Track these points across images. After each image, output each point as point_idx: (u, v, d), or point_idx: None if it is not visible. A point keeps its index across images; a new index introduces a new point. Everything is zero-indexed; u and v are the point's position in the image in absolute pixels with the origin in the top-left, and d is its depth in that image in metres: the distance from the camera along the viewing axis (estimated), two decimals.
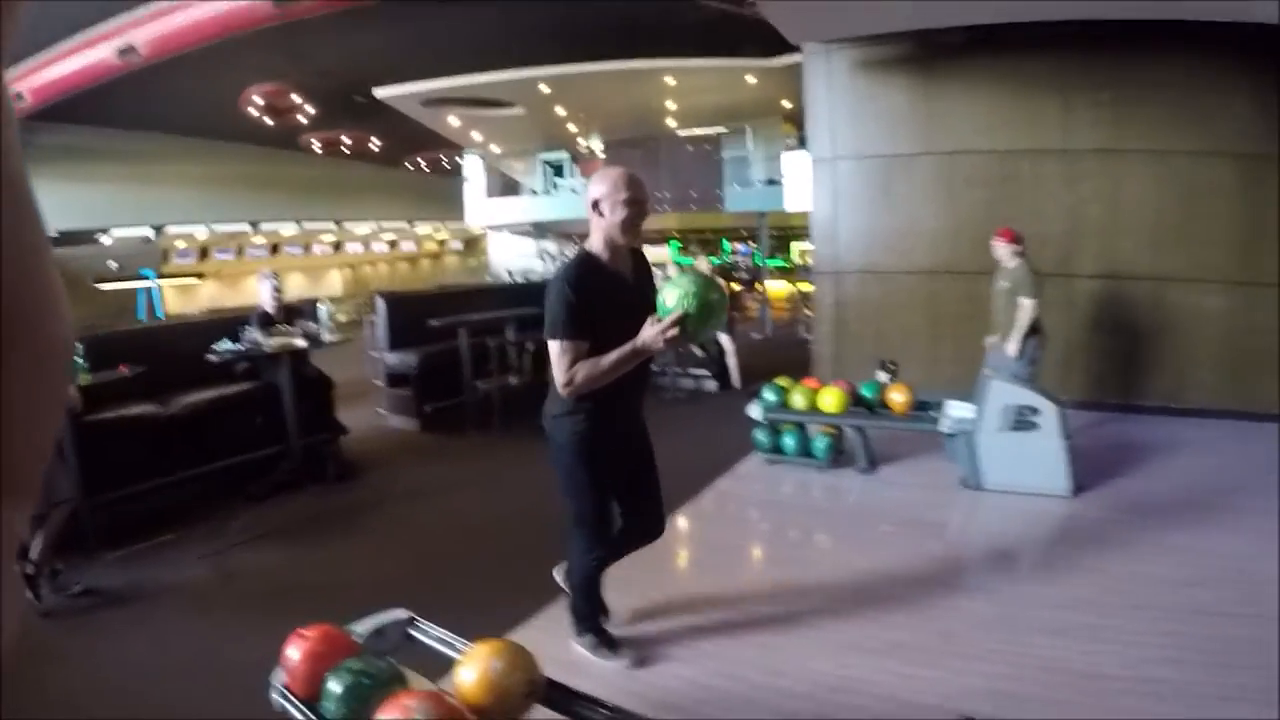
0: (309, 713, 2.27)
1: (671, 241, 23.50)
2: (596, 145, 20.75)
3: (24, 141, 0.40)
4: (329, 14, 14.43)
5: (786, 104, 17.00)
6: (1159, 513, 5.21)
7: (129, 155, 20.18)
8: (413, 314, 8.25)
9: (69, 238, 18.38)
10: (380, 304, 8.52)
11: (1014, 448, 5.46)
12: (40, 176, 15.41)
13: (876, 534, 5.06)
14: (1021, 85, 8.02)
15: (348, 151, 25.19)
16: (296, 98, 19.56)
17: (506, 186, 23.68)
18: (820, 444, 6.23)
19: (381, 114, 19.44)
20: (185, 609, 4.30)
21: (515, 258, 24.77)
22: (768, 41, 8.31)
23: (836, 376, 6.89)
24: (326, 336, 6.55)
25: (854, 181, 8.69)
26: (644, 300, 3.12)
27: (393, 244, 29.57)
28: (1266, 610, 3.79)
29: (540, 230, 24.06)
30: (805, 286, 12.86)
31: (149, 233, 21.27)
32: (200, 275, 22.79)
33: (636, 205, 3.05)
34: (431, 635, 2.77)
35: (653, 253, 20.65)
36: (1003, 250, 6.45)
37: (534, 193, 23.12)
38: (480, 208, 23.02)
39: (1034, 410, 5.42)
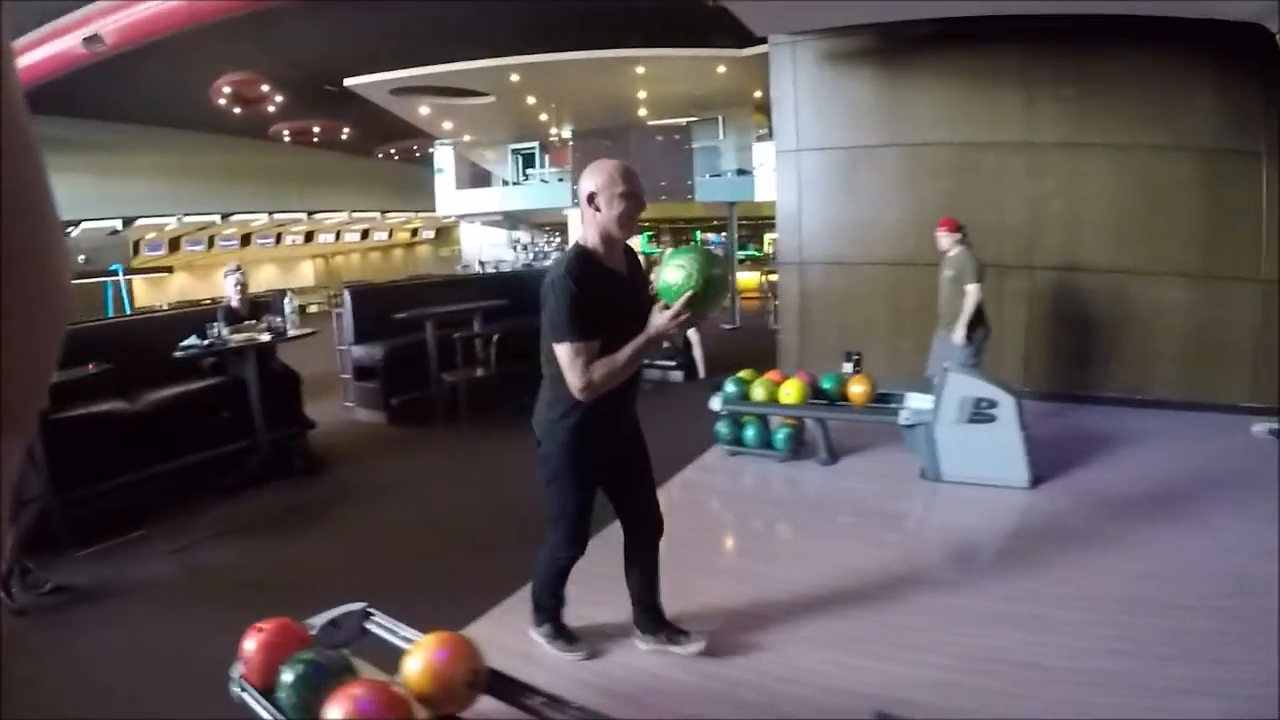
0: (264, 702, 2.34)
1: (643, 232, 23.45)
2: (567, 135, 20.67)
3: None
4: (298, 3, 14.34)
5: (758, 94, 17.00)
6: (1115, 504, 5.29)
7: (96, 146, 19.90)
8: (379, 306, 8.25)
9: None
10: (346, 296, 8.50)
11: (972, 439, 5.52)
12: None
13: (836, 525, 5.12)
14: (985, 78, 8.08)
15: (318, 141, 25.01)
16: (266, 87, 19.40)
17: (477, 177, 23.58)
18: (780, 436, 6.28)
19: (352, 103, 19.27)
20: (154, 605, 4.31)
21: (487, 247, 24.72)
22: (740, 32, 8.33)
23: (802, 367, 6.96)
24: (291, 330, 6.56)
25: (819, 173, 8.75)
26: (639, 295, 3.13)
27: (365, 234, 29.35)
28: (1216, 603, 3.87)
29: (512, 220, 24.00)
30: (774, 276, 12.96)
31: (117, 225, 21.06)
32: (169, 269, 22.58)
33: (634, 199, 2.99)
34: (385, 627, 2.83)
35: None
36: (945, 240, 6.55)
37: (505, 183, 23.06)
38: (451, 198, 22.93)
39: (992, 402, 5.48)
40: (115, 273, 19.20)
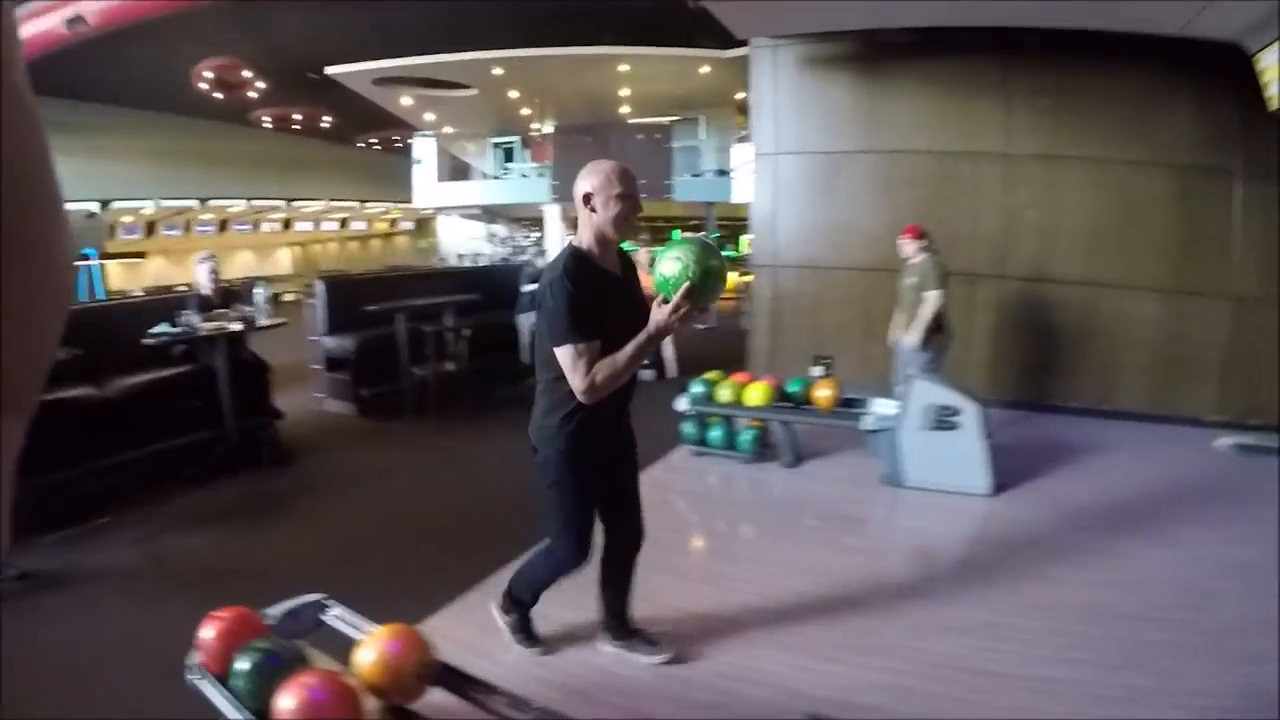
0: (219, 689, 2.36)
1: None
2: (549, 130, 20.68)
3: None
4: None
5: (740, 95, 17.07)
6: (1076, 514, 5.34)
7: (75, 128, 19.75)
8: (352, 297, 8.23)
9: None
10: (319, 287, 8.47)
11: (935, 446, 5.57)
12: None
13: (798, 528, 5.15)
14: (965, 88, 8.13)
15: (299, 129, 24.93)
16: (248, 73, 19.34)
17: (457, 170, 23.58)
18: (745, 438, 6.33)
19: (334, 92, 19.25)
20: (119, 592, 4.29)
21: (465, 240, 24.67)
22: (723, 33, 8.37)
23: (772, 370, 7.01)
24: (263, 320, 6.54)
25: (795, 176, 8.77)
26: (633, 297, 3.10)
27: (343, 223, 29.26)
28: (1171, 614, 3.92)
29: (490, 214, 23.95)
30: (750, 278, 12.98)
31: (94, 208, 20.92)
32: (142, 254, 22.43)
33: (631, 200, 2.93)
34: (341, 619, 2.85)
35: None
36: (908, 247, 6.57)
37: (485, 176, 23.04)
38: (430, 190, 22.91)
39: (955, 410, 5.53)
40: (89, 257, 19.07)
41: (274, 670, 2.30)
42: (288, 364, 7.93)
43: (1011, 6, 6.72)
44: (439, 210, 24.95)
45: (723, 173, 18.03)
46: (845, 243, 8.43)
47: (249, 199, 24.69)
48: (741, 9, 7.59)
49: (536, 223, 23.08)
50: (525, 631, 3.53)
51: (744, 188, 14.47)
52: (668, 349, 9.89)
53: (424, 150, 22.58)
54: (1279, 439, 6.84)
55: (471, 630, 3.62)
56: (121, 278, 21.59)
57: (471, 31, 15.89)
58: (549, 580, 3.41)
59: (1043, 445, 6.86)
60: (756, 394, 6.16)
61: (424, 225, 30.72)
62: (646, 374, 9.70)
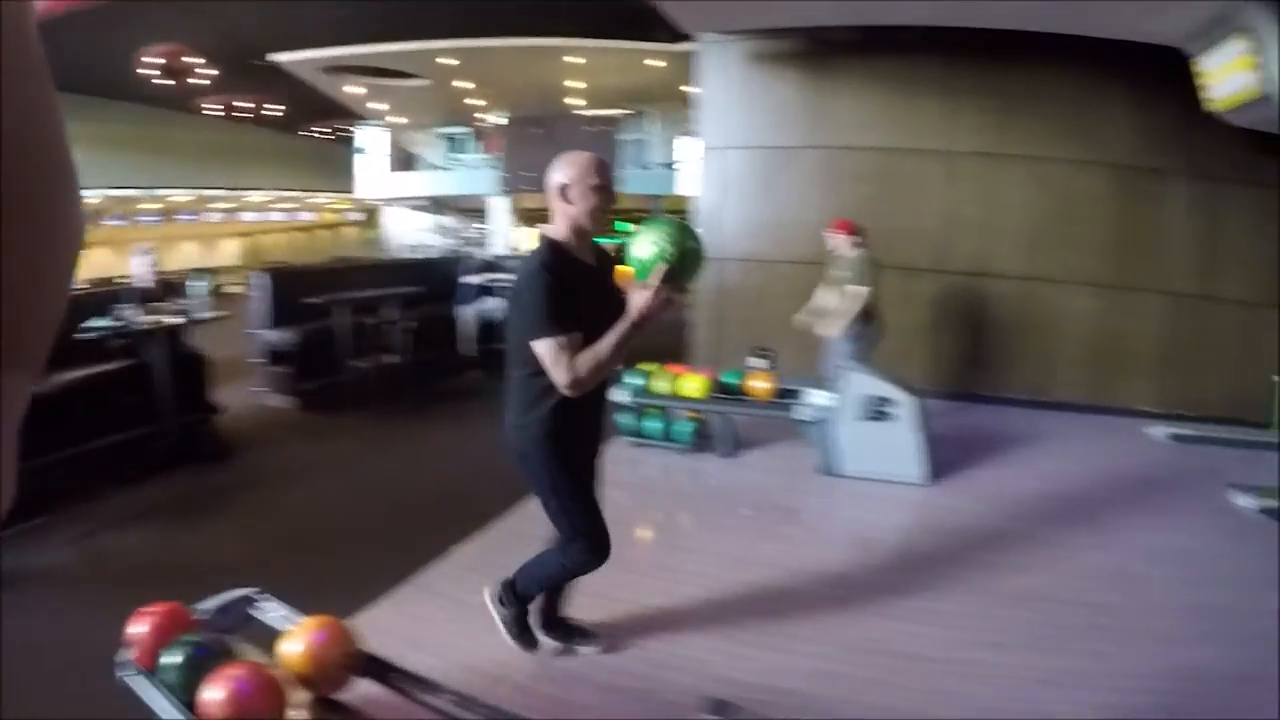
0: (150, 684, 2.38)
1: None
2: (498, 121, 20.58)
3: None
4: None
5: (689, 89, 17.12)
6: (1010, 502, 5.45)
7: None
8: (293, 290, 8.11)
9: None
10: (260, 279, 8.36)
11: (870, 436, 5.65)
12: None
13: (735, 518, 5.19)
14: (909, 86, 8.26)
15: (246, 117, 24.61)
16: (194, 60, 19.06)
17: (405, 160, 23.42)
18: (683, 429, 6.36)
19: (281, 80, 19.03)
20: (56, 593, 4.22)
21: (412, 231, 24.50)
22: (674, 27, 8.41)
23: (716, 361, 7.06)
24: (202, 313, 6.49)
25: (742, 171, 8.85)
26: (609, 288, 3.06)
27: (290, 213, 28.92)
28: (1097, 599, 4.03)
29: (437, 205, 23.81)
30: None
31: None
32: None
33: (606, 192, 2.91)
34: (271, 612, 2.86)
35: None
36: (840, 242, 6.61)
37: (433, 167, 22.92)
38: (377, 180, 22.74)
39: (890, 401, 5.61)
40: None
41: (201, 663, 2.31)
42: (230, 357, 7.85)
43: (958, 7, 6.82)
44: (387, 201, 24.75)
45: (670, 165, 18.06)
46: (789, 237, 8.51)
47: (195, 188, 24.34)
48: (689, 5, 7.63)
49: (483, 214, 22.98)
50: (521, 626, 3.39)
51: (690, 181, 14.54)
52: None
53: (367, 140, 22.37)
54: (1213, 430, 7.05)
55: (407, 622, 3.63)
56: None
57: (421, 20, 15.77)
58: (560, 580, 3.34)
59: (980, 435, 6.97)
60: (693, 385, 6.18)
61: (372, 216, 30.45)
62: None
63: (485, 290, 9.61)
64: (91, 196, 21.86)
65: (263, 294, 8.15)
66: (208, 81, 20.18)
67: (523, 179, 19.30)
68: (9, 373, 0.43)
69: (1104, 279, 8.04)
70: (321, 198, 29.58)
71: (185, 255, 24.56)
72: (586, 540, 3.14)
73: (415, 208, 24.49)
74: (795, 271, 8.33)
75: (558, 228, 2.94)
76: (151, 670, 2.42)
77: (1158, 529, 5.01)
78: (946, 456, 5.97)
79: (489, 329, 9.54)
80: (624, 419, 6.48)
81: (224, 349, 7.37)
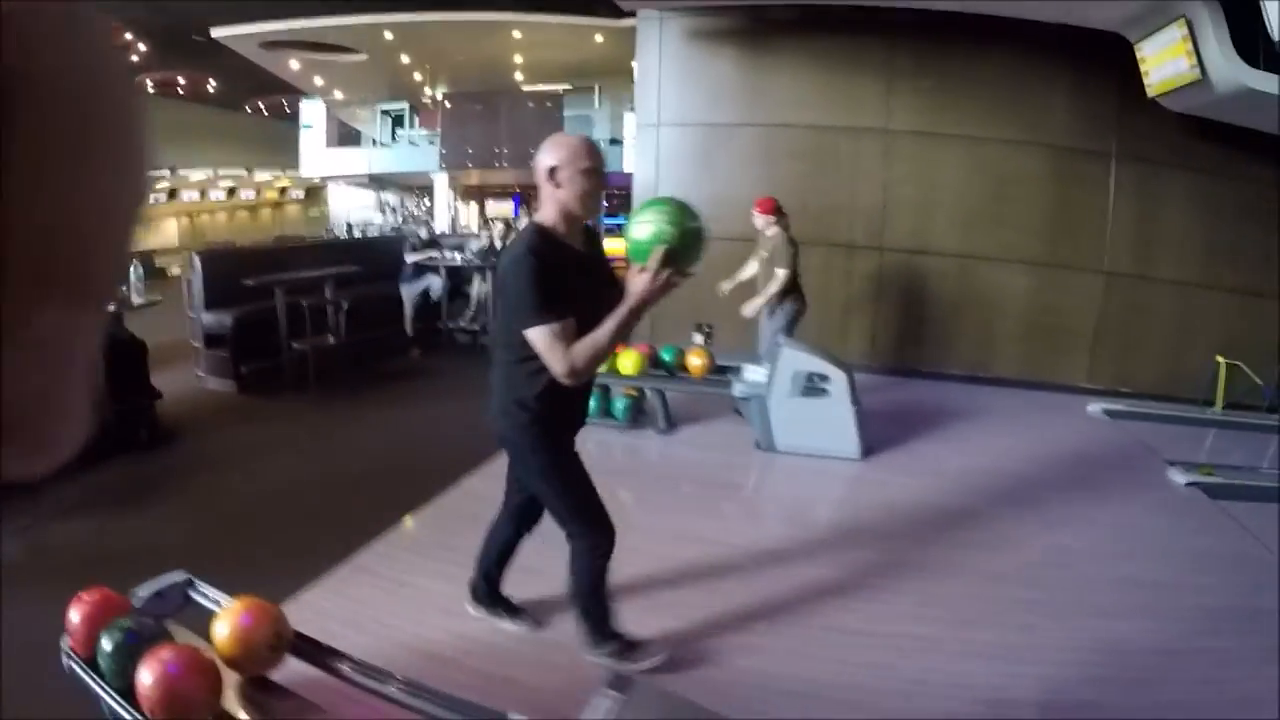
0: (88, 670, 2.40)
1: (514, 195, 23.20)
2: (439, 96, 20.33)
3: None
4: None
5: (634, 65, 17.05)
6: (945, 477, 5.56)
7: None
8: (231, 271, 7.98)
9: None
10: (196, 261, 8.19)
11: (805, 412, 5.72)
12: None
13: (673, 494, 5.24)
14: (847, 65, 8.33)
15: (183, 94, 24.09)
16: (128, 34, 18.63)
17: (346, 137, 23.08)
18: (619, 405, 6.41)
19: (220, 55, 18.64)
20: None
21: (355, 209, 24.19)
22: (615, 1, 8.40)
23: (655, 339, 7.11)
24: (136, 299, 6.39)
25: (679, 147, 8.89)
26: (600, 274, 3.00)
27: (231, 192, 28.36)
28: (1032, 573, 4.14)
29: (379, 182, 23.53)
30: None
31: None
32: None
33: (597, 176, 2.79)
34: (206, 596, 2.89)
35: (495, 208, 20.53)
36: (760, 220, 6.68)
37: (374, 143, 22.66)
38: (319, 157, 22.38)
39: (824, 377, 5.68)
40: None
41: (135, 647, 2.33)
42: (169, 341, 7.76)
43: None
44: (328, 179, 24.40)
45: (615, 142, 17.99)
46: (726, 214, 8.45)
47: None
48: None
49: (426, 190, 22.71)
50: (627, 646, 3.23)
51: (634, 157, 14.53)
52: None
53: (313, 115, 22.03)
54: (1147, 406, 7.26)
55: (343, 602, 3.64)
56: None
57: None
58: (600, 574, 3.15)
59: (919, 411, 7.10)
60: (629, 362, 6.22)
61: (315, 194, 29.92)
62: None
63: (425, 269, 9.58)
64: None
65: (198, 276, 8.04)
66: (137, 58, 19.71)
67: (463, 155, 19.16)
68: (81, 307, 0.44)
69: (1041, 257, 8.21)
70: (264, 175, 29.06)
71: None
72: (589, 518, 3.08)
73: (357, 185, 24.17)
74: (733, 249, 8.34)
75: (545, 212, 2.85)
76: (88, 656, 2.44)
77: (1091, 503, 5.14)
78: (885, 432, 6.09)
79: (429, 308, 9.52)
80: None
81: (165, 332, 7.27)
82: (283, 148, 25.99)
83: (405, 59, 18.01)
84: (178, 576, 2.95)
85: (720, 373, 6.23)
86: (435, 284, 9.55)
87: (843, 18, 7.97)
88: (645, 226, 2.57)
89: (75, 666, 2.46)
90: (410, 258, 9.51)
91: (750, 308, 6.54)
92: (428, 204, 22.58)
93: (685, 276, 2.63)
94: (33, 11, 0.36)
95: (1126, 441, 6.56)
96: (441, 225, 19.57)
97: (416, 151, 20.97)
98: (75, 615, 2.54)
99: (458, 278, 9.90)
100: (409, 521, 4.62)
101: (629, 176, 15.08)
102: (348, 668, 2.44)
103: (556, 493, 3.07)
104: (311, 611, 2.79)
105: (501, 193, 21.88)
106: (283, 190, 30.73)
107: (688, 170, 8.84)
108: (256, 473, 5.81)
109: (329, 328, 8.18)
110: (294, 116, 23.90)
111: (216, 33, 16.86)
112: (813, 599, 3.81)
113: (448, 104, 19.68)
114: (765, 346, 6.28)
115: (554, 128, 18.21)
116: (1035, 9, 6.94)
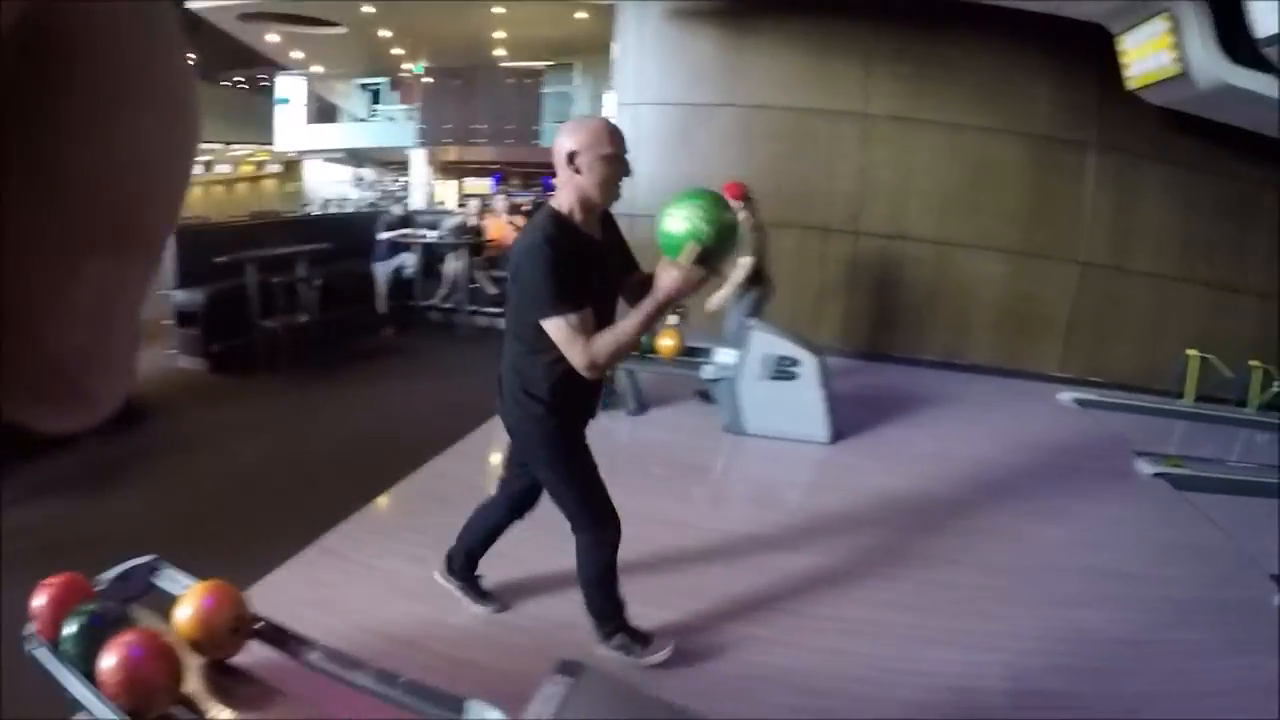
0: (52, 655, 2.40)
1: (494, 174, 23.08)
2: (418, 71, 20.15)
3: None
4: None
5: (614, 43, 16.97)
6: (912, 462, 5.59)
7: None
8: (202, 249, 7.83)
9: None
10: None
11: (775, 396, 5.73)
12: None
13: (642, 476, 5.19)
14: (827, 48, 8.32)
15: None
16: None
17: (323, 112, 22.83)
18: None
19: (197, 27, 18.43)
20: None
21: (332, 184, 24.03)
22: None
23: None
24: None
25: (656, 127, 8.83)
26: (618, 264, 2.90)
27: (207, 165, 28.12)
28: (993, 560, 4.17)
29: (357, 158, 23.35)
30: None
31: None
32: None
33: (619, 162, 2.67)
34: (172, 579, 2.89)
35: (474, 185, 20.42)
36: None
37: (352, 118, 22.49)
38: (295, 132, 22.15)
39: (794, 360, 5.70)
40: None
41: (99, 632, 2.33)
42: (142, 320, 7.63)
43: None
44: (304, 153, 24.20)
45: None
46: None
47: None
48: None
49: (403, 166, 22.54)
50: (635, 637, 3.22)
51: None
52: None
53: (290, 89, 21.81)
54: (1117, 396, 7.33)
55: (308, 585, 3.63)
56: None
57: None
58: (608, 569, 3.13)
59: (891, 396, 7.13)
60: None
61: (292, 168, 29.72)
62: (503, 323, 9.65)
63: (400, 246, 9.52)
64: None
65: (170, 253, 7.93)
66: None
67: (441, 131, 19.04)
68: (130, 261, 0.44)
69: (1017, 246, 8.24)
70: (241, 149, 28.83)
71: None
72: (594, 511, 3.05)
73: (334, 160, 23.98)
74: None
75: (562, 198, 2.72)
76: (53, 642, 2.44)
77: (1062, 493, 5.18)
78: (856, 416, 6.11)
79: (404, 286, 9.46)
80: None
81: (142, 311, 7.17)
82: (260, 122, 25.76)
83: (385, 33, 17.85)
84: (143, 560, 2.95)
85: (691, 354, 6.22)
86: (409, 261, 9.49)
87: (823, 1, 7.99)
88: (679, 221, 2.48)
89: (40, 651, 2.46)
90: (383, 235, 9.44)
91: (715, 299, 6.41)
92: (403, 180, 22.40)
93: (716, 275, 2.60)
94: None
95: (1096, 431, 6.63)
96: (417, 202, 19.46)
97: (394, 127, 20.81)
98: (40, 601, 2.54)
99: (432, 255, 9.84)
100: (378, 503, 4.60)
101: None
102: (309, 651, 2.46)
103: (564, 484, 3.03)
104: (279, 594, 2.79)
105: (480, 169, 21.76)
106: (259, 164, 30.49)
107: (666, 150, 8.79)
108: (226, 453, 5.75)
109: (301, 305, 8.12)
110: (272, 90, 23.70)
111: (194, 4, 16.67)
112: (776, 583, 3.82)
113: (425, 79, 19.53)
114: (732, 330, 6.27)
115: (533, 105, 18.12)
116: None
